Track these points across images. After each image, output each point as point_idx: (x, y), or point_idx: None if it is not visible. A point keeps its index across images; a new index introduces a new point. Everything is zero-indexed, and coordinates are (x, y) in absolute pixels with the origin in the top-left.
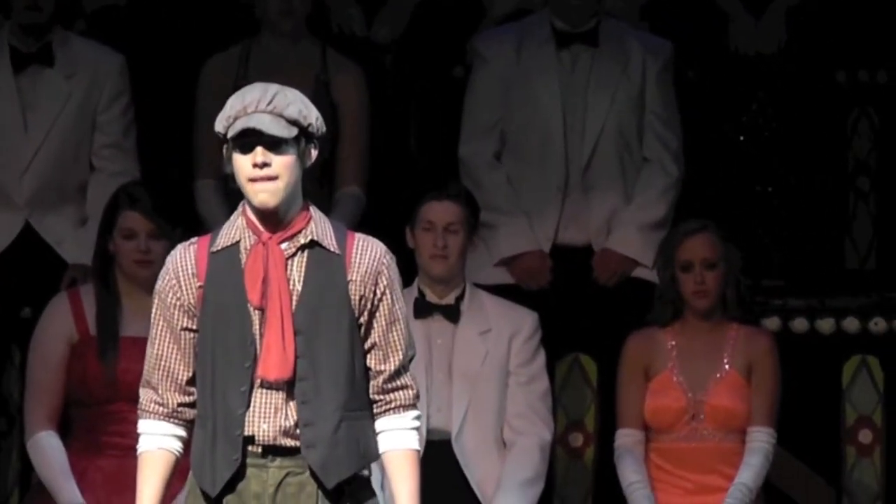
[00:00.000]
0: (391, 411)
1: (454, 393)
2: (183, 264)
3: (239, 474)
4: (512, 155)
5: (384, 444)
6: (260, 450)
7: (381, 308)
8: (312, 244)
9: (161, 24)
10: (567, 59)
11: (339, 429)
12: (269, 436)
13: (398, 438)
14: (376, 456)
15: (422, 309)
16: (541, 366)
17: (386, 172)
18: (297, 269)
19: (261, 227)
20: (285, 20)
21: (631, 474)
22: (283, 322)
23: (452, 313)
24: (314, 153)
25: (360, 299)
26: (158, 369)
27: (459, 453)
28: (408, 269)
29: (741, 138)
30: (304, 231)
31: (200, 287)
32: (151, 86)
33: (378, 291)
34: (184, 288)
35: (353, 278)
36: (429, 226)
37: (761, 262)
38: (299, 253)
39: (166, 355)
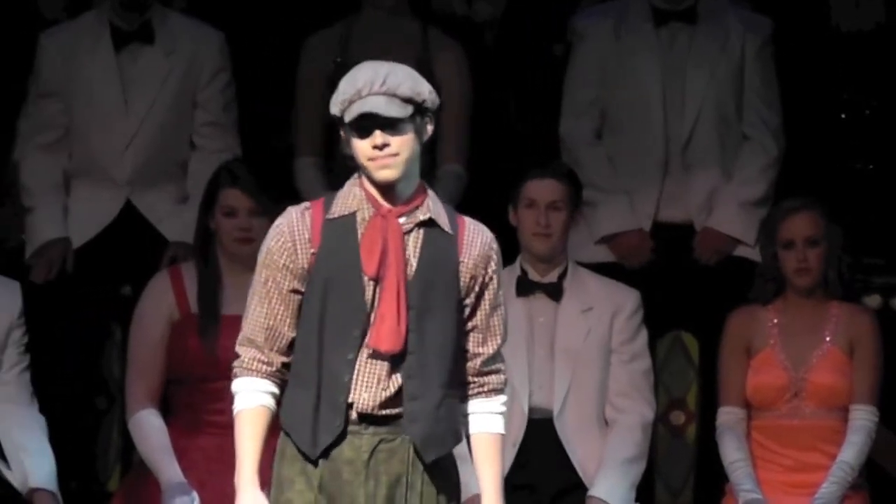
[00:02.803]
0: (483, 394)
1: (556, 371)
2: (299, 228)
3: (337, 440)
4: (612, 133)
5: (474, 426)
6: (356, 417)
7: (487, 292)
8: (430, 222)
9: (261, 0)
10: (666, 37)
11: (441, 405)
12: (368, 405)
13: (488, 422)
14: (464, 434)
15: (524, 287)
16: (643, 344)
17: (488, 150)
18: (413, 245)
19: (381, 200)
20: None
21: (733, 452)
22: (399, 295)
23: (555, 291)
24: (430, 127)
25: (470, 281)
26: (266, 329)
27: (561, 431)
28: (508, 248)
29: (842, 116)
30: (421, 208)
31: (314, 253)
32: (252, 63)
33: (487, 276)
34: (298, 252)
35: (465, 260)
36: (531, 204)
37: (862, 239)
38: (416, 229)
39: (274, 315)
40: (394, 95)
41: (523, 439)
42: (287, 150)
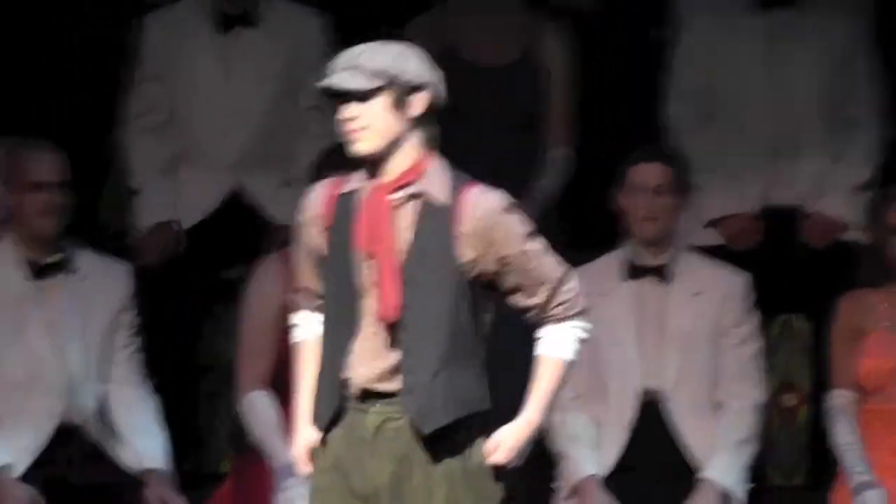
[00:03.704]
0: (549, 322)
1: (666, 354)
2: (315, 204)
3: (342, 416)
4: (718, 116)
5: (538, 350)
6: (359, 394)
7: (508, 256)
8: (422, 195)
9: None
10: (770, 21)
11: (438, 377)
12: (364, 379)
13: (545, 345)
14: (480, 406)
15: (633, 271)
16: (753, 327)
17: (595, 134)
18: (408, 219)
19: (374, 175)
20: None
21: (844, 435)
22: (389, 269)
23: (664, 275)
24: (420, 102)
25: (475, 251)
26: (310, 277)
27: (672, 414)
28: (614, 232)
29: None
30: (415, 182)
31: (326, 229)
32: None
33: (496, 244)
34: (313, 228)
35: (465, 231)
36: (637, 188)
37: None
38: (411, 203)
39: (307, 272)
40: (363, 69)
41: (634, 422)
42: None
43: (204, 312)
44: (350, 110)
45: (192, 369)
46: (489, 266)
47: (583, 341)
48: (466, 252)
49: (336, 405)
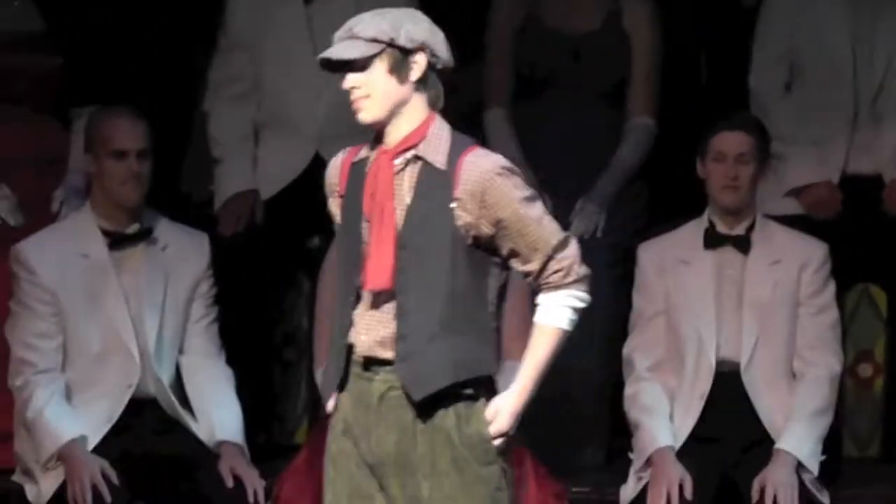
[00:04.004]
0: (546, 290)
1: (744, 323)
2: (332, 173)
3: (348, 383)
4: (801, 85)
5: (535, 316)
6: (362, 360)
7: (503, 220)
8: (422, 159)
9: None
10: None
11: (432, 342)
12: (366, 346)
13: (541, 313)
14: (481, 370)
15: (712, 239)
16: (831, 296)
17: (677, 103)
18: (409, 184)
19: (381, 142)
20: None
21: None
22: (385, 234)
23: (743, 244)
24: (419, 64)
25: (471, 216)
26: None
27: (749, 384)
28: (698, 201)
29: None
30: (416, 146)
31: (341, 196)
32: (443, 16)
33: (491, 207)
34: (331, 196)
35: (461, 196)
36: (720, 156)
37: None
38: (410, 168)
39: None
40: (356, 38)
41: (710, 392)
42: (475, 106)
43: (284, 282)
44: (351, 80)
45: (270, 340)
46: (484, 230)
47: (578, 310)
48: (463, 215)
49: (342, 371)
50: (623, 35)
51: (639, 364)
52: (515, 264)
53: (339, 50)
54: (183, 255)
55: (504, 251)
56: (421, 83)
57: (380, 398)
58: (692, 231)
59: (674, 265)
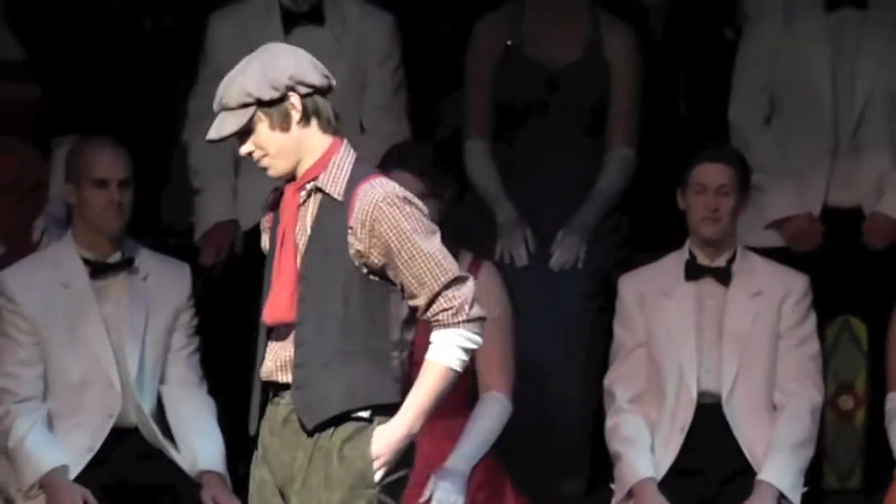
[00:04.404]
0: (436, 328)
1: (724, 355)
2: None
3: (267, 410)
4: (781, 116)
5: (427, 353)
6: (273, 388)
7: (391, 251)
8: (320, 191)
9: None
10: (836, 22)
11: (325, 370)
12: (269, 372)
13: (431, 350)
14: (374, 399)
15: (693, 271)
16: (811, 328)
17: (656, 134)
18: (311, 215)
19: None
20: None
21: None
22: (285, 266)
23: (723, 275)
24: (297, 103)
25: (362, 245)
26: None
27: (730, 415)
28: (678, 232)
29: None
30: (317, 178)
31: (269, 228)
32: (421, 46)
33: (380, 236)
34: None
35: (353, 225)
36: (700, 188)
37: None
38: (312, 199)
39: None
40: (228, 108)
41: (691, 424)
42: (455, 134)
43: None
44: (244, 149)
45: (251, 370)
46: (374, 260)
47: (468, 350)
48: (354, 244)
49: (259, 402)
50: (603, 65)
51: (620, 395)
52: (407, 296)
53: (218, 128)
54: (164, 284)
55: (396, 282)
56: (305, 119)
57: (283, 421)
58: (673, 263)
59: (654, 297)
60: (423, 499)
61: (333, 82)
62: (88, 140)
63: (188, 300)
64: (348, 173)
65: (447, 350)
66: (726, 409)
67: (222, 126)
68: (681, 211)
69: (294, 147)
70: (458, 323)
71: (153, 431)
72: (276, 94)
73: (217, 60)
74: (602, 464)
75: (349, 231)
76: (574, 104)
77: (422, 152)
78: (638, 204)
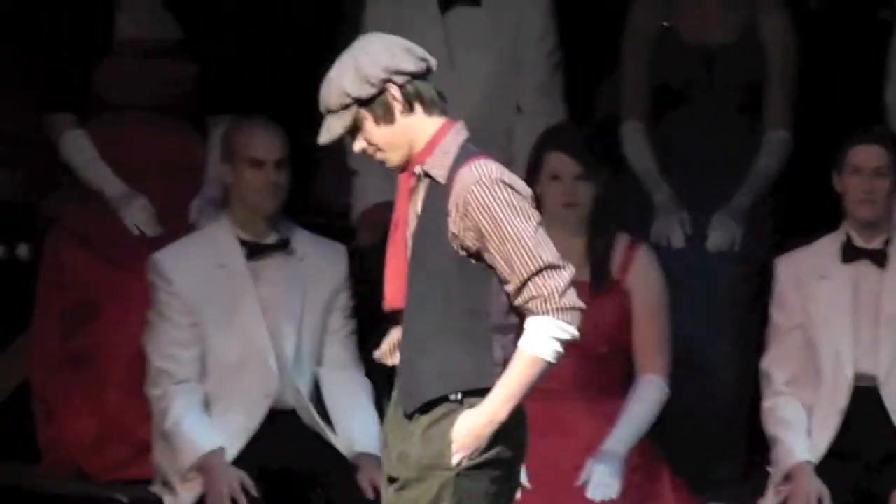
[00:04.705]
0: (527, 314)
1: (881, 337)
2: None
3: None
4: None
5: (519, 340)
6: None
7: (483, 234)
8: (427, 175)
9: None
10: None
11: (424, 356)
12: (383, 355)
13: (524, 338)
14: (469, 384)
15: (849, 253)
16: None
17: (813, 115)
18: (420, 201)
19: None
20: None
21: None
22: (397, 251)
23: (880, 258)
24: (397, 94)
25: (460, 229)
26: None
27: (887, 398)
28: (835, 215)
29: None
30: (425, 161)
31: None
32: (577, 27)
33: (473, 219)
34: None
35: (450, 207)
36: (856, 170)
37: None
38: (422, 184)
39: None
40: (331, 111)
41: (848, 407)
42: (612, 115)
43: None
44: (357, 147)
45: None
46: (468, 242)
47: (563, 341)
48: (451, 227)
49: (389, 386)
50: (759, 46)
51: (776, 378)
52: (502, 281)
53: (326, 133)
54: (321, 266)
55: (490, 265)
56: (408, 107)
57: (394, 406)
58: (829, 245)
59: (811, 279)
60: (580, 481)
61: (433, 63)
62: (245, 120)
63: (345, 281)
64: (454, 156)
65: (537, 339)
66: (883, 392)
67: (329, 129)
68: (837, 193)
69: (402, 137)
70: (549, 311)
71: (310, 413)
72: (373, 91)
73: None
74: (758, 446)
75: (448, 214)
76: (730, 85)
77: (578, 133)
78: (794, 185)
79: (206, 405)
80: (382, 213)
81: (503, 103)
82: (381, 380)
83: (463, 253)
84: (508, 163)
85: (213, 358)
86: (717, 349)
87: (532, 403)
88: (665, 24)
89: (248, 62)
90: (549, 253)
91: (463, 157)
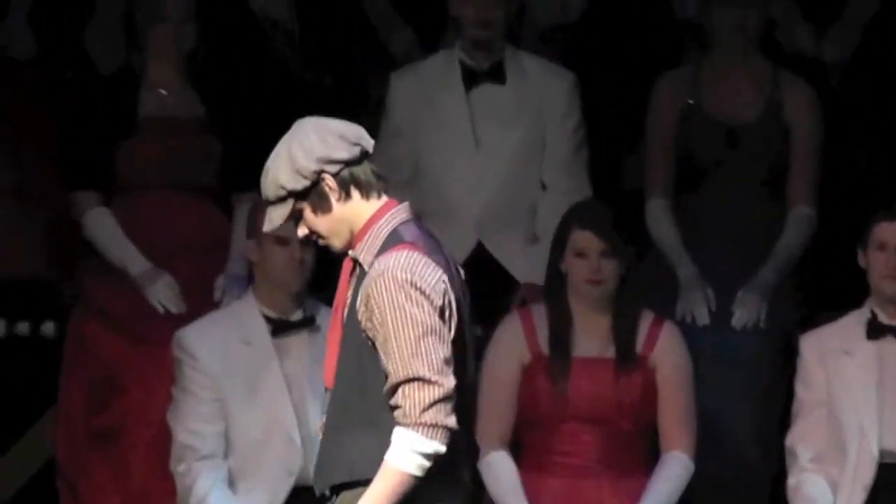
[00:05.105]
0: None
1: None
2: None
3: None
4: None
5: None
6: None
7: (375, 327)
8: (358, 260)
9: (611, 41)
10: None
11: (336, 438)
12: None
13: (388, 451)
14: (368, 473)
15: (874, 330)
16: None
17: (837, 192)
18: (354, 285)
19: None
20: (738, 36)
21: None
22: (332, 336)
23: None
24: (331, 182)
25: (363, 318)
26: None
27: None
28: (860, 291)
29: None
30: (357, 247)
31: None
32: (601, 104)
33: (371, 310)
34: None
35: (360, 297)
36: (881, 246)
37: None
38: (356, 268)
39: None
40: (273, 202)
41: (874, 483)
42: (636, 191)
43: None
44: (300, 231)
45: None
46: (371, 332)
47: (426, 455)
48: (360, 317)
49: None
50: (783, 123)
51: (801, 455)
52: None
53: (269, 223)
54: None
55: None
56: (345, 194)
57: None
58: (854, 321)
59: (835, 355)
60: None
61: (369, 145)
62: None
63: None
64: (381, 242)
65: (399, 452)
66: None
67: (271, 219)
68: (861, 269)
69: (341, 223)
70: (409, 425)
71: None
72: (307, 183)
73: (398, 118)
74: None
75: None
76: (754, 161)
77: (603, 210)
78: (819, 261)
79: (230, 481)
80: None
81: (528, 180)
82: None
83: (370, 343)
84: (534, 240)
85: (238, 434)
86: (742, 425)
87: (556, 480)
88: (690, 100)
89: (272, 139)
90: (425, 365)
91: (390, 243)
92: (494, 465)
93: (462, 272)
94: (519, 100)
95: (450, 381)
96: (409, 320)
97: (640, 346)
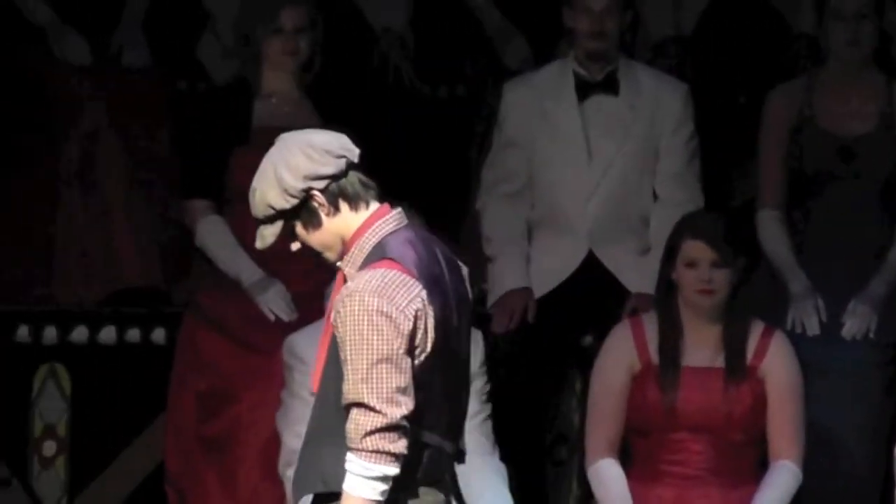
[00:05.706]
0: None
1: None
2: None
3: None
4: None
5: None
6: None
7: (340, 343)
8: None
9: (724, 53)
10: None
11: (315, 448)
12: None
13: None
14: (337, 485)
15: None
16: None
17: None
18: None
19: None
20: (853, 50)
21: None
22: (325, 342)
23: None
24: (319, 199)
25: (336, 331)
26: None
27: None
28: None
29: None
30: (345, 259)
31: None
32: (715, 115)
33: (338, 327)
34: None
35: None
36: None
37: None
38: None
39: None
40: (264, 220)
41: None
42: (748, 203)
43: (557, 380)
44: (294, 247)
45: (542, 438)
46: (340, 346)
47: (377, 478)
48: (336, 328)
49: None
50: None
51: None
52: None
53: (260, 240)
54: None
55: None
56: (334, 208)
57: None
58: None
59: None
60: None
61: (354, 156)
62: None
63: (481, 367)
64: (366, 255)
65: (348, 476)
66: None
67: (263, 237)
68: None
69: (333, 237)
70: (352, 449)
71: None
72: (296, 201)
73: (511, 129)
74: None
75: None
76: (868, 175)
77: (715, 221)
78: None
79: None
80: (518, 300)
81: (640, 191)
82: (513, 465)
83: (342, 356)
84: (645, 250)
85: None
86: (850, 435)
87: (665, 489)
88: (804, 113)
89: (386, 150)
90: (373, 392)
91: (373, 257)
92: (602, 473)
93: (465, 271)
94: (632, 111)
95: (396, 411)
96: (365, 346)
97: (750, 355)
